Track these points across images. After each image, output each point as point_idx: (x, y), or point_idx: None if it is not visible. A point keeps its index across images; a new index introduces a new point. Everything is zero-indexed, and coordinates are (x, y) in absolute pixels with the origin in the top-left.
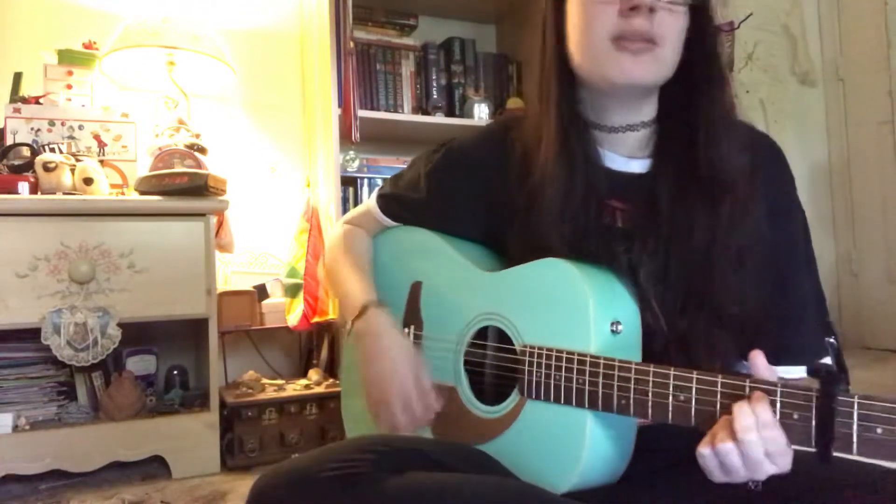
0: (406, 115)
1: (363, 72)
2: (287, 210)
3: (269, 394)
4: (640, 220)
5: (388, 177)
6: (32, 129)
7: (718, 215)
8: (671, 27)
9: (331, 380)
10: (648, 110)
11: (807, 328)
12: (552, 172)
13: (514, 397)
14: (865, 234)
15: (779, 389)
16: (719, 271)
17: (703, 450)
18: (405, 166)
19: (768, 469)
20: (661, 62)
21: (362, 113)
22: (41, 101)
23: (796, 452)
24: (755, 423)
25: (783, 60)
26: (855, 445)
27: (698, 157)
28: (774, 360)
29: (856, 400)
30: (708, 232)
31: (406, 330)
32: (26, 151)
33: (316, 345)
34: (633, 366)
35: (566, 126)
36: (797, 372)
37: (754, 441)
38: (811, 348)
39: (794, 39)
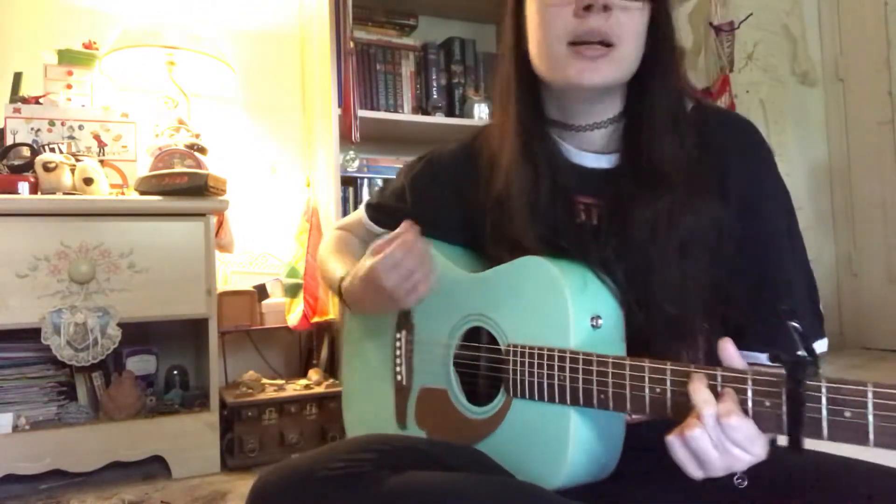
0: (406, 115)
1: (363, 72)
2: (287, 210)
3: (269, 394)
4: (608, 215)
5: (388, 177)
6: (32, 129)
7: (656, 208)
8: (628, 26)
9: (331, 380)
10: (614, 107)
11: (797, 313)
12: (516, 177)
13: (500, 397)
14: (865, 234)
15: (749, 377)
16: (660, 267)
17: (670, 437)
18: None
19: (742, 456)
20: (620, 63)
21: (362, 113)
22: (41, 101)
23: (783, 451)
24: (716, 411)
25: (783, 60)
26: (825, 430)
27: (642, 154)
28: (764, 346)
29: (823, 384)
30: (650, 225)
31: (398, 335)
32: (26, 151)
33: (316, 345)
34: (610, 359)
35: (527, 129)
36: None
37: (716, 425)
38: (804, 332)
39: (794, 39)
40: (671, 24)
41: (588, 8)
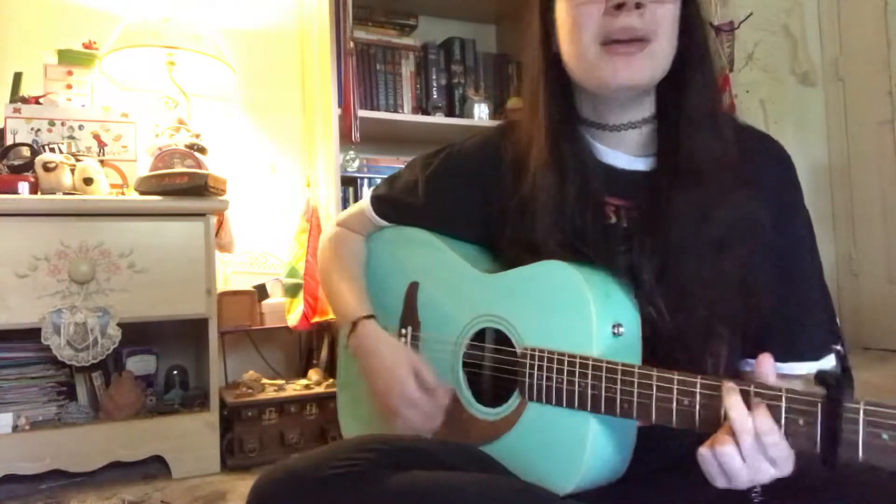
0: (406, 115)
1: (363, 72)
2: (287, 210)
3: (269, 394)
4: (640, 217)
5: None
6: (32, 129)
7: (696, 205)
8: (662, 19)
9: (331, 380)
10: (648, 106)
11: (814, 326)
12: (542, 182)
13: (514, 399)
14: (865, 234)
15: (784, 395)
16: (698, 264)
17: (703, 451)
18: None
19: (771, 472)
20: (656, 58)
21: (362, 113)
22: (41, 101)
23: (799, 459)
24: (752, 428)
25: (783, 60)
26: (861, 451)
27: (680, 151)
28: (782, 357)
29: (862, 406)
30: (687, 225)
31: (403, 331)
32: (26, 151)
33: (316, 345)
34: (637, 370)
35: (556, 134)
36: (804, 368)
37: (752, 444)
38: (818, 346)
39: (794, 39)
40: (702, 17)
41: (620, 6)
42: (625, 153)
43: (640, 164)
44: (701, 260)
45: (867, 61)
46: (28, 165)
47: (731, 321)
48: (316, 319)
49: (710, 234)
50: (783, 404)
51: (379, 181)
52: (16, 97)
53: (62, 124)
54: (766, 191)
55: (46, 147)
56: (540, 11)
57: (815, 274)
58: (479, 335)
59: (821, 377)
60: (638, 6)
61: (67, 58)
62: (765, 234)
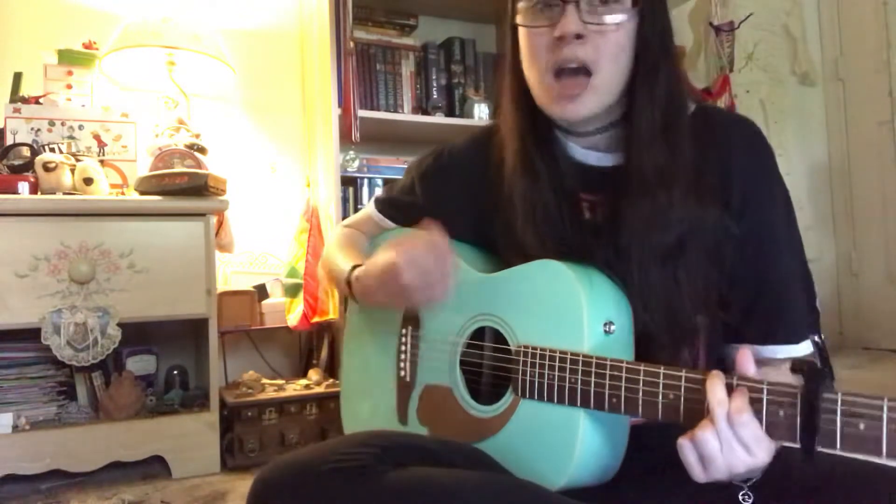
0: (406, 115)
1: (363, 72)
2: (287, 210)
3: (269, 394)
4: (608, 213)
5: (388, 177)
6: (32, 129)
7: (638, 215)
8: (604, 50)
9: (331, 380)
10: (617, 111)
11: (793, 310)
12: (517, 187)
13: (508, 397)
14: (865, 234)
15: (765, 387)
16: (642, 269)
17: (682, 440)
18: (405, 166)
19: (745, 459)
20: (599, 91)
21: (362, 113)
22: (41, 101)
23: (787, 462)
24: (727, 405)
25: (783, 60)
26: (839, 441)
27: (631, 159)
28: (763, 340)
29: (839, 396)
30: (634, 229)
31: (403, 330)
32: (26, 151)
33: (316, 345)
34: (625, 364)
35: (527, 142)
36: (784, 352)
37: (725, 420)
38: (798, 327)
39: (794, 39)
40: (659, 32)
41: (561, 39)
42: (596, 150)
43: (609, 161)
44: (641, 268)
45: (867, 61)
46: (28, 165)
47: (693, 316)
48: (316, 319)
49: (654, 242)
50: (764, 396)
51: (379, 181)
52: (16, 97)
53: (62, 124)
54: (737, 177)
55: (46, 147)
56: (511, 33)
57: (793, 257)
58: (478, 334)
59: (797, 366)
60: (579, 37)
61: (67, 58)
62: (734, 228)
